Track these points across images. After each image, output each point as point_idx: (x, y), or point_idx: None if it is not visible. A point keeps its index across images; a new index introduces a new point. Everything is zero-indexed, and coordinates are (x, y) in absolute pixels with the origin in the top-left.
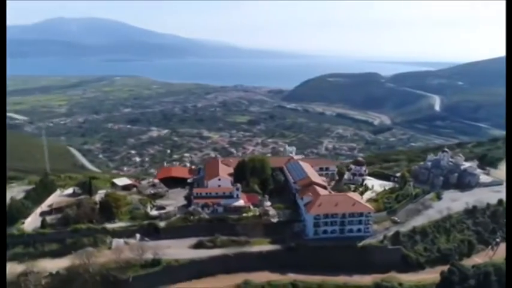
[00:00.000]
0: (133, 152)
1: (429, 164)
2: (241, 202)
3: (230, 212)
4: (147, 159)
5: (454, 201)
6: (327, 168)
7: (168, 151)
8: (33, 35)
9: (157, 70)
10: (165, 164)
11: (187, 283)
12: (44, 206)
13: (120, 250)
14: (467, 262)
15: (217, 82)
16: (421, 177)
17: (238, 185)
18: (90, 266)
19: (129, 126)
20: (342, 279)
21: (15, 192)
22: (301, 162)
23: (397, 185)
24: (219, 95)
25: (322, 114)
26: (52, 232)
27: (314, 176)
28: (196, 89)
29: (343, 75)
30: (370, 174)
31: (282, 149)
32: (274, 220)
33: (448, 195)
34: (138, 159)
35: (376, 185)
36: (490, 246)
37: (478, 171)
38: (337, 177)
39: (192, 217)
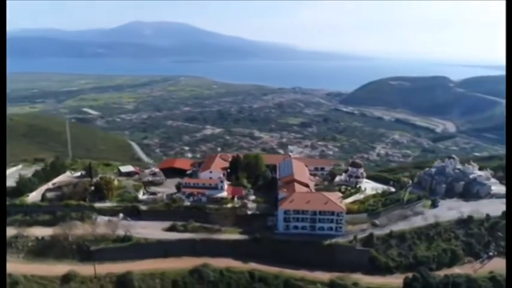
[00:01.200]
0: (186, 148)
1: (433, 170)
2: (224, 194)
3: (213, 202)
4: (198, 155)
5: (451, 210)
6: (322, 169)
7: (219, 149)
8: (111, 38)
9: (220, 71)
10: None
11: (152, 260)
12: (50, 184)
13: (97, 225)
14: (446, 272)
15: (275, 84)
16: (423, 183)
17: (222, 178)
18: (69, 236)
19: (186, 124)
20: (300, 273)
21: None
22: (295, 161)
23: (392, 189)
24: (276, 96)
25: (380, 119)
26: (47, 205)
27: (300, 174)
28: (254, 90)
29: (407, 78)
30: (370, 177)
31: (331, 152)
32: (250, 212)
33: (448, 203)
34: (190, 155)
35: (371, 188)
36: (480, 260)
37: (492, 181)
38: (329, 178)
39: (174, 203)
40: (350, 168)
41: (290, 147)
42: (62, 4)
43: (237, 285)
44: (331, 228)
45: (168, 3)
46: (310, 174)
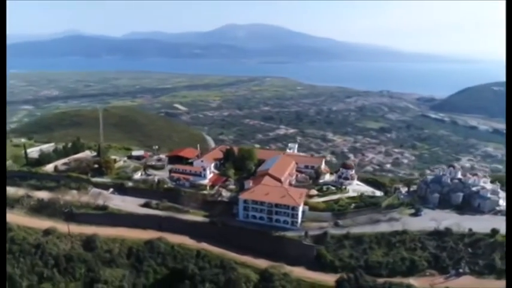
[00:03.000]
0: (257, 146)
1: (429, 178)
2: (205, 181)
3: (193, 187)
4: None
5: (433, 221)
6: (312, 167)
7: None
8: (207, 40)
9: (307, 72)
10: None
11: (120, 228)
12: (66, 159)
13: (86, 195)
14: (399, 280)
15: (363, 86)
16: (419, 191)
17: (205, 167)
18: (61, 200)
19: (262, 122)
20: (243, 258)
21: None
22: (285, 158)
23: (378, 194)
24: (360, 99)
25: (473, 129)
26: (55, 175)
27: (279, 170)
28: (338, 92)
29: None
30: (364, 181)
31: (405, 160)
32: (220, 199)
33: (435, 214)
34: None
35: (356, 190)
36: (446, 275)
37: (502, 196)
38: (314, 176)
39: (158, 185)
40: (341, 169)
41: (290, 145)
42: (170, 7)
43: (182, 259)
44: (286, 222)
45: (263, 6)
46: (300, 172)
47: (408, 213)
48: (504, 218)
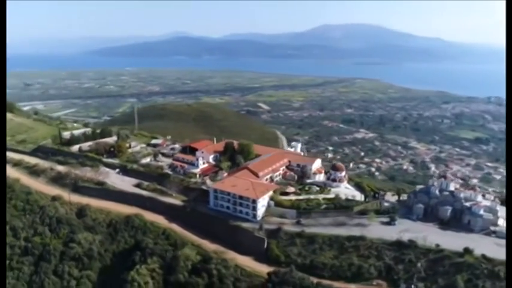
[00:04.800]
0: (330, 148)
1: (417, 188)
2: (197, 170)
3: (186, 175)
4: (338, 157)
5: (404, 232)
6: (304, 166)
7: (362, 153)
8: (301, 40)
9: (403, 74)
10: (351, 165)
11: (110, 202)
12: (91, 142)
13: (91, 172)
14: (340, 285)
15: (468, 91)
16: (407, 201)
17: (199, 157)
18: (72, 173)
19: (341, 125)
20: (201, 241)
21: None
22: (277, 155)
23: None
24: (459, 105)
25: None
26: (77, 154)
27: (263, 166)
28: (434, 96)
29: None
30: (356, 184)
31: (498, 176)
32: (203, 187)
33: (412, 225)
34: (330, 155)
35: (339, 192)
36: None
37: (501, 215)
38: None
39: (156, 170)
40: (330, 171)
41: (293, 143)
42: (268, 9)
43: (150, 231)
44: (248, 213)
45: (362, 6)
46: (292, 170)
47: (381, 221)
48: (495, 239)
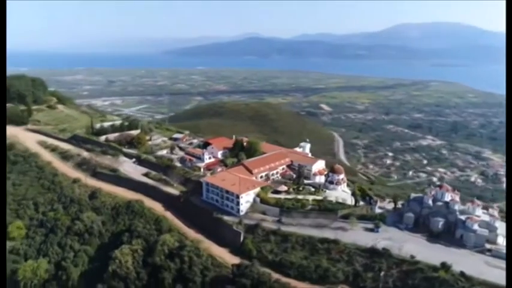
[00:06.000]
0: (390, 154)
1: (411, 196)
2: (202, 164)
3: (191, 168)
4: (397, 163)
5: (386, 240)
6: (301, 167)
7: (425, 161)
8: (374, 40)
9: (487, 78)
10: (410, 173)
11: (118, 188)
12: (117, 134)
13: (111, 160)
14: (304, 286)
15: None
16: (401, 209)
17: (205, 152)
18: (93, 159)
19: (406, 130)
20: (186, 229)
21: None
22: (277, 154)
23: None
24: None
25: None
26: (103, 143)
27: (260, 163)
28: None
29: None
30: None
31: None
32: (199, 179)
33: (395, 234)
34: (388, 161)
35: (333, 194)
36: None
37: (501, 232)
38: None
39: (166, 161)
40: (329, 173)
41: (301, 144)
42: (341, 8)
43: (145, 216)
44: (232, 208)
45: (439, 4)
46: (293, 170)
47: (365, 227)
48: (487, 257)
